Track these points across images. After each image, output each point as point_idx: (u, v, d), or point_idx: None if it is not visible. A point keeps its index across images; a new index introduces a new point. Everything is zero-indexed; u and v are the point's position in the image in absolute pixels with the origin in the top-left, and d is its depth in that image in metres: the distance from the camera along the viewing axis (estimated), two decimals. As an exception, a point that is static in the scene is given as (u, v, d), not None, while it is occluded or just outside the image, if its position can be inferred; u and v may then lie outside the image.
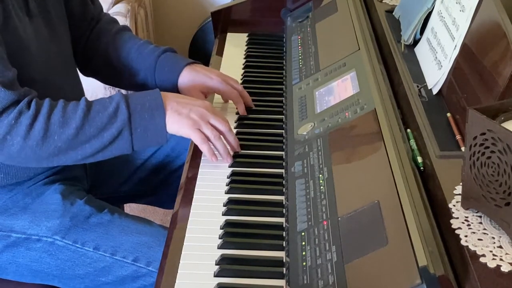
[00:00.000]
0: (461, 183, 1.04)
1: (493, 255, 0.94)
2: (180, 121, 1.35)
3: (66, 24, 1.57)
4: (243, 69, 1.82)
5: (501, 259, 0.93)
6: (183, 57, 1.64)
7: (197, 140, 1.37)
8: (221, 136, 1.39)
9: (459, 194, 1.05)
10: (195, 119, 1.36)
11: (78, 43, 1.64)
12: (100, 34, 1.65)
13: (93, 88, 2.51)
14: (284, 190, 1.31)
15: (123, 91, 1.68)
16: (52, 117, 1.29)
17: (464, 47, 1.31)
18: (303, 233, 1.14)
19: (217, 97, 1.64)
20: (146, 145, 1.35)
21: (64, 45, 1.55)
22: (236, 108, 1.59)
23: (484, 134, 0.95)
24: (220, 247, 1.19)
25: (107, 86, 2.61)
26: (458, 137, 1.22)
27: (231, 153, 1.42)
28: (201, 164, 1.42)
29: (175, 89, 1.58)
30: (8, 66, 1.30)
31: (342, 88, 1.45)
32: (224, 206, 1.29)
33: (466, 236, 0.98)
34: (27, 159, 1.30)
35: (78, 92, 1.60)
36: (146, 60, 1.60)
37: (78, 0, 1.63)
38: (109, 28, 1.67)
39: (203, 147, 1.38)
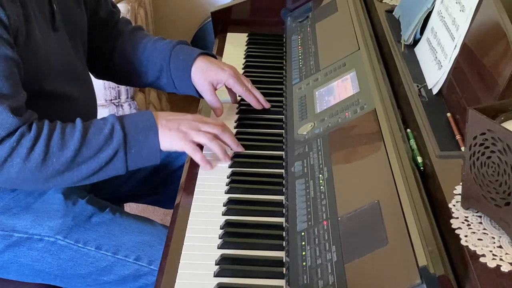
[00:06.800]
0: (461, 183, 1.04)
1: (493, 255, 0.94)
2: (171, 137, 1.37)
3: (85, 34, 1.60)
4: (243, 69, 1.81)
5: (501, 259, 0.93)
6: (198, 48, 1.65)
7: (189, 150, 1.38)
8: (217, 138, 1.40)
9: (459, 194, 1.05)
10: (185, 131, 1.38)
11: (101, 48, 1.66)
12: (118, 34, 1.68)
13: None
14: (284, 190, 1.31)
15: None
16: (52, 139, 1.30)
17: (464, 47, 1.31)
18: (303, 233, 1.14)
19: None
20: (140, 164, 1.37)
21: (82, 57, 1.58)
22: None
23: (484, 134, 0.95)
24: (220, 247, 1.19)
25: (107, 86, 2.62)
26: (458, 137, 1.22)
27: (230, 154, 1.42)
28: (201, 164, 1.42)
29: (189, 78, 1.59)
30: (19, 90, 1.31)
31: (342, 88, 1.45)
32: (224, 206, 1.29)
33: (466, 236, 0.98)
34: (24, 180, 1.31)
35: (92, 102, 1.63)
36: (162, 52, 1.63)
37: (105, 10, 1.67)
38: (125, 28, 1.70)
39: (195, 156, 1.39)
